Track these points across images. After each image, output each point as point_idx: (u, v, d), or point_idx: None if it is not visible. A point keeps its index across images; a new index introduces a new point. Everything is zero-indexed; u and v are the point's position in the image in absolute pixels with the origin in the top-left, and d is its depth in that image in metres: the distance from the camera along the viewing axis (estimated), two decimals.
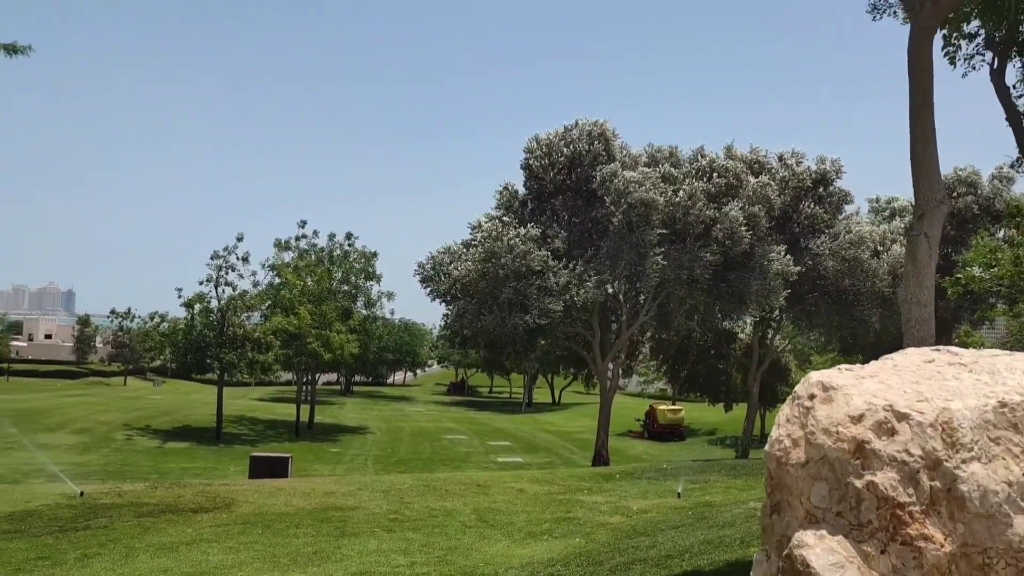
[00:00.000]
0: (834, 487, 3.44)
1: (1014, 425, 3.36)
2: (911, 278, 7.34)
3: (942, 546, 3.22)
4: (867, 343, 39.37)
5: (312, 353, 51.51)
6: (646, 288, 35.11)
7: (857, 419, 3.45)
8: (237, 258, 50.58)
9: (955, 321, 38.91)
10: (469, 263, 33.64)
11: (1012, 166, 20.20)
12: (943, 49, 10.91)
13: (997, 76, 10.92)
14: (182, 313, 51.39)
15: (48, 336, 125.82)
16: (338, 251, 57.51)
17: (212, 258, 50.15)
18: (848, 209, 39.21)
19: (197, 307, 50.37)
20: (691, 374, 50.62)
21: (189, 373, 79.14)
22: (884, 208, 43.27)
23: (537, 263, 32.95)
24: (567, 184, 35.72)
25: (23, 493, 17.18)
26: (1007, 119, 10.86)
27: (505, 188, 36.76)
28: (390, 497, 16.43)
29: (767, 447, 3.75)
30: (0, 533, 12.27)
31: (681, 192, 33.67)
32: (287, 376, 76.44)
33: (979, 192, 39.46)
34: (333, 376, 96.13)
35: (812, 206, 37.03)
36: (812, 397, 3.67)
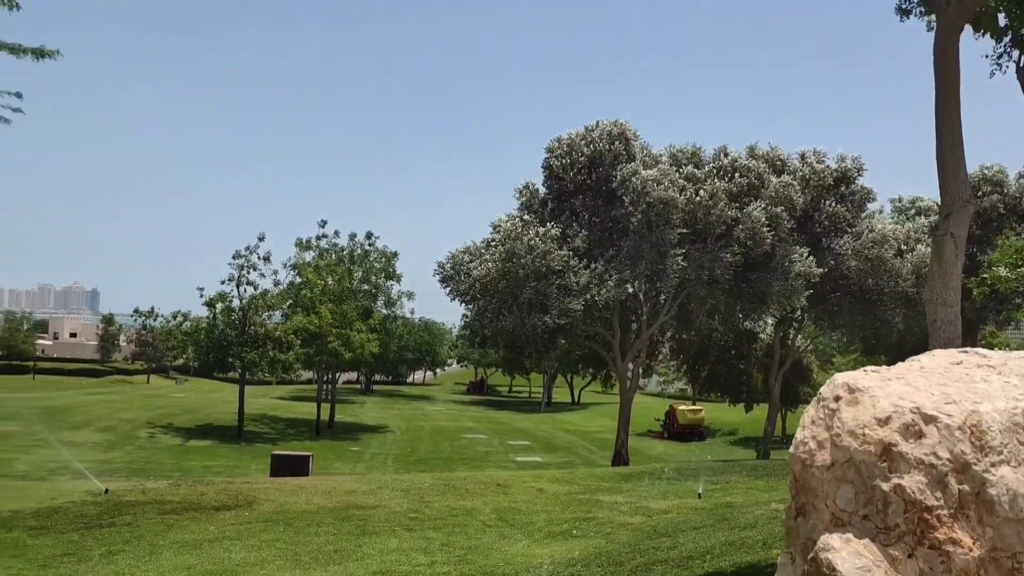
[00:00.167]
0: (860, 490, 3.41)
1: None
2: (937, 278, 7.26)
3: (970, 550, 3.18)
4: (890, 343, 38.99)
5: (333, 352, 51.76)
6: (666, 288, 34.97)
7: (884, 421, 3.41)
8: (259, 257, 50.91)
9: (980, 322, 38.44)
10: (489, 262, 33.64)
11: None
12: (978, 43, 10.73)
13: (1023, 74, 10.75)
14: (204, 312, 51.83)
15: (73, 335, 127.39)
16: (358, 251, 57.77)
17: (234, 257, 50.50)
18: (871, 207, 38.83)
19: (219, 306, 50.72)
20: (712, 374, 50.34)
21: (211, 372, 79.77)
22: (908, 208, 42.78)
23: (557, 263, 32.91)
24: (587, 184, 35.69)
25: (49, 490, 17.41)
26: None
27: (525, 187, 36.77)
28: (410, 496, 16.48)
29: (792, 449, 3.72)
30: (27, 530, 12.42)
31: (702, 192, 33.51)
32: (307, 375, 76.89)
33: (1005, 191, 38.93)
34: (353, 375, 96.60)
35: (834, 205, 36.69)
36: (838, 399, 3.64)
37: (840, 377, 3.75)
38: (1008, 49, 11.00)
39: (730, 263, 33.22)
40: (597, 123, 36.53)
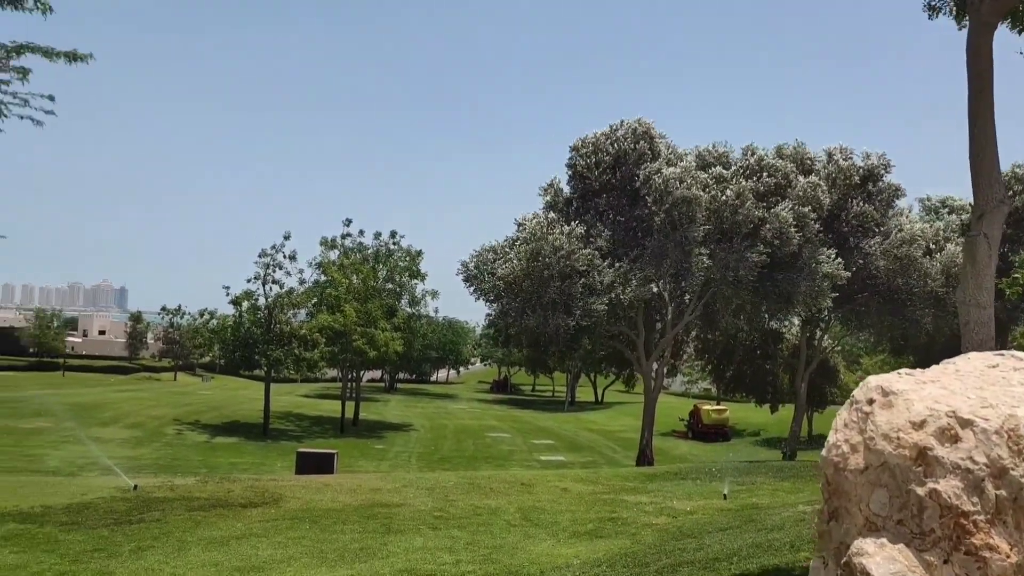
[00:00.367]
0: (895, 494, 3.37)
1: None
2: (970, 279, 7.17)
3: (1008, 556, 3.13)
4: (919, 344, 38.50)
5: (357, 350, 52.04)
6: (691, 287, 34.80)
7: (919, 425, 3.37)
8: (284, 256, 51.30)
9: (1012, 323, 37.86)
10: (514, 261, 33.63)
11: None
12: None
13: None
14: (230, 310, 52.31)
15: (102, 332, 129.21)
16: (383, 249, 58.05)
17: (260, 256, 50.93)
18: (899, 204, 38.34)
19: (245, 304, 51.18)
20: (737, 374, 50.02)
21: (237, 369, 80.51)
22: (939, 207, 42.16)
23: (582, 263, 32.83)
24: (612, 183, 35.58)
25: (79, 486, 17.66)
26: None
27: (550, 185, 36.72)
28: (435, 495, 16.53)
29: (824, 452, 3.69)
30: (59, 525, 12.62)
31: (729, 191, 33.30)
32: (332, 373, 77.36)
33: None
34: (377, 373, 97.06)
35: (861, 204, 36.27)
36: (871, 402, 3.60)
37: (873, 380, 3.71)
38: None
39: (756, 263, 32.98)
40: (621, 122, 36.45)
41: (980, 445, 3.26)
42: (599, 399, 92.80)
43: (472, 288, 35.81)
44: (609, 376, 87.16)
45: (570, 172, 36.52)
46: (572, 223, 34.04)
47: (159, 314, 64.18)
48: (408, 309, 59.32)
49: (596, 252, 33.51)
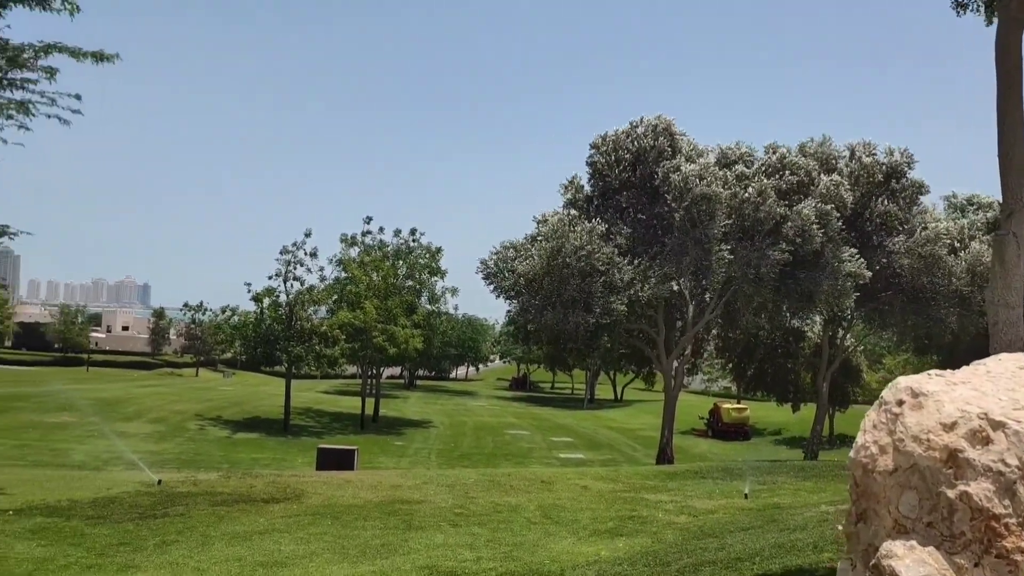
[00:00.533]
0: (924, 496, 3.35)
1: None
2: (998, 279, 7.08)
3: None
4: (943, 344, 38.06)
5: (377, 347, 52.28)
6: (712, 285, 34.63)
7: (950, 427, 3.35)
8: (305, 253, 51.67)
9: None
10: (535, 258, 33.59)
11: None
12: None
13: None
14: (252, 307, 52.71)
15: (125, 328, 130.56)
16: (403, 247, 58.24)
17: (281, 253, 51.31)
18: (924, 201, 37.87)
19: (266, 301, 51.57)
20: (758, 372, 49.76)
21: (258, 365, 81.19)
22: (966, 205, 41.60)
23: (602, 263, 32.70)
24: (632, 181, 35.42)
25: (105, 480, 17.87)
26: None
27: (571, 182, 36.63)
28: (455, 491, 16.57)
29: (852, 453, 3.67)
30: (85, 519, 12.77)
31: (750, 189, 33.09)
32: (352, 369, 77.79)
33: None
34: (397, 370, 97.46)
35: (885, 203, 35.86)
36: (901, 403, 3.57)
37: (903, 381, 3.69)
38: None
39: (778, 260, 32.73)
40: (641, 119, 36.19)
41: (1012, 447, 3.23)
42: (618, 397, 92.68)
43: (492, 286, 35.84)
44: (628, 374, 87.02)
45: (590, 170, 36.41)
46: (593, 220, 33.92)
47: (181, 310, 64.73)
48: (428, 306, 59.53)
49: (615, 250, 33.40)
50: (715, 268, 33.07)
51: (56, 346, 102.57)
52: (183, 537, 11.69)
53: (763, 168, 34.89)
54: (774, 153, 35.51)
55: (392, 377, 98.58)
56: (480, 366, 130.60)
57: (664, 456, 37.44)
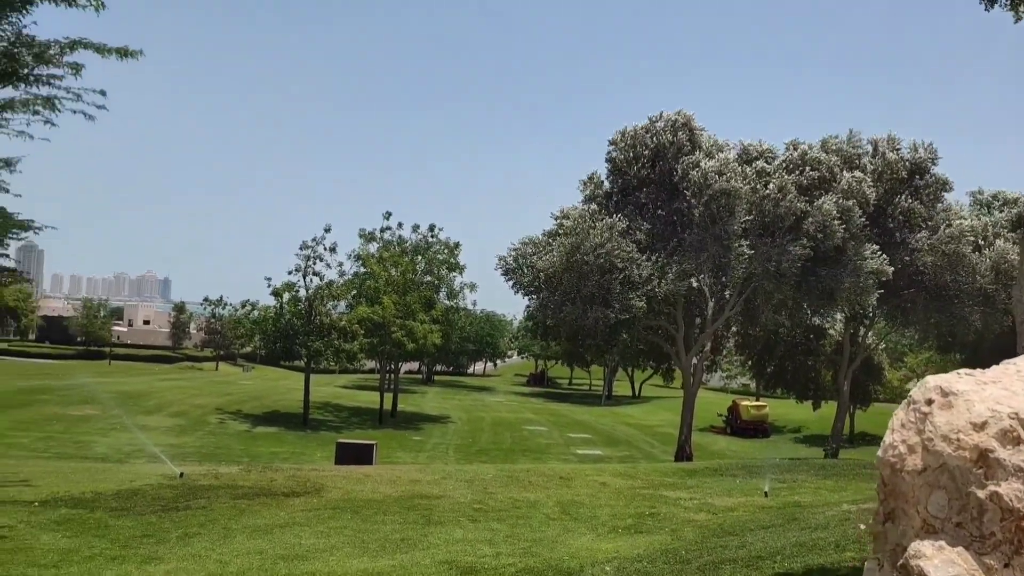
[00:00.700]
0: (954, 496, 3.31)
1: None
2: None
3: None
4: (967, 342, 37.66)
5: (396, 342, 52.45)
6: (732, 282, 34.45)
7: (980, 426, 3.31)
8: (324, 248, 51.89)
9: None
10: (554, 254, 33.54)
11: None
12: None
13: None
14: (272, 301, 53.06)
15: (146, 322, 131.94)
16: (422, 242, 58.36)
17: (301, 248, 51.58)
18: (947, 198, 37.43)
19: (286, 296, 51.88)
20: (778, 370, 49.45)
21: (277, 360, 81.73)
22: (991, 201, 41.07)
23: (621, 261, 32.58)
24: (651, 178, 35.24)
25: (128, 473, 18.08)
26: None
27: (590, 178, 36.53)
28: (474, 487, 16.62)
29: (880, 452, 3.63)
30: (109, 510, 12.91)
31: (771, 185, 32.86)
32: (370, 364, 78.04)
33: None
34: (415, 365, 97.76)
35: (908, 200, 35.48)
36: (930, 402, 3.53)
37: (932, 380, 3.64)
38: None
39: (799, 255, 32.45)
40: (660, 114, 35.93)
41: None
42: (636, 393, 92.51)
43: (512, 282, 35.84)
44: (646, 370, 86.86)
45: (609, 167, 36.25)
46: (614, 216, 33.80)
47: (201, 305, 65.29)
48: (446, 302, 59.64)
49: (634, 246, 33.29)
50: (734, 264, 32.88)
51: (79, 339, 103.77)
52: (205, 530, 11.79)
53: (784, 164, 34.63)
54: (795, 150, 35.22)
55: (410, 372, 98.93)
56: (498, 362, 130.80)
57: (683, 453, 37.35)
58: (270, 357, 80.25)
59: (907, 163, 35.96)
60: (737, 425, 56.43)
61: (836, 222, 32.32)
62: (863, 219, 33.42)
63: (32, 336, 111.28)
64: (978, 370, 3.74)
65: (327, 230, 52.23)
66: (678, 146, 34.72)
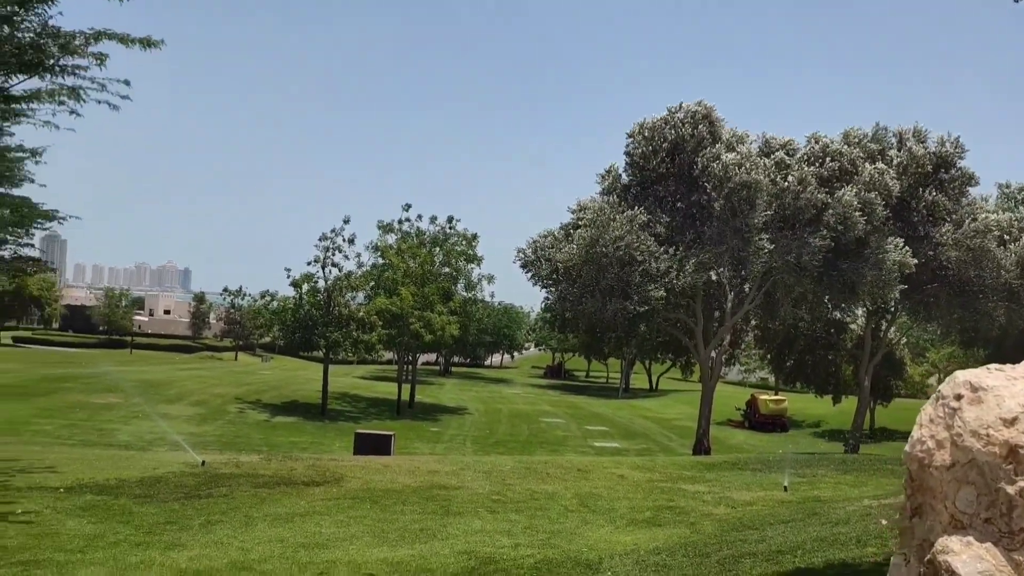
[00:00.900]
0: (983, 492, 3.29)
1: None
2: None
3: None
4: (990, 337, 37.25)
5: (414, 334, 52.58)
6: (752, 275, 34.21)
7: (1010, 422, 3.28)
8: (343, 240, 52.03)
9: None
10: (574, 246, 33.43)
11: None
12: None
13: None
14: (291, 292, 53.29)
15: (167, 312, 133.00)
16: (440, 234, 58.43)
17: (320, 239, 51.73)
18: (973, 192, 36.93)
19: (305, 287, 52.09)
20: (798, 364, 49.19)
21: (296, 350, 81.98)
22: (1018, 195, 40.51)
23: (640, 254, 32.43)
24: (670, 172, 34.95)
25: (151, 460, 18.27)
26: None
27: (608, 172, 36.37)
28: (492, 478, 16.66)
29: (907, 447, 3.61)
30: (133, 497, 13.07)
31: (791, 177, 32.57)
32: (388, 355, 78.31)
33: None
34: (432, 356, 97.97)
35: (933, 193, 35.02)
36: (959, 398, 3.51)
37: (961, 375, 3.62)
38: None
39: (819, 247, 32.14)
40: (680, 105, 35.42)
41: None
42: (653, 386, 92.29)
43: (530, 274, 35.82)
44: (664, 363, 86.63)
45: (627, 160, 36.00)
46: (635, 208, 33.61)
47: (221, 295, 65.68)
48: (464, 293, 59.73)
49: (653, 239, 33.12)
50: (754, 258, 32.64)
51: (101, 328, 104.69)
52: (227, 517, 11.91)
53: (805, 157, 34.30)
54: (817, 143, 34.88)
55: (427, 363, 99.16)
56: (515, 354, 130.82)
57: (701, 446, 37.25)
58: (289, 347, 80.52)
59: (932, 156, 35.48)
60: (755, 419, 56.17)
61: (857, 214, 31.99)
62: (886, 212, 33.05)
63: (56, 325, 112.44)
64: (1008, 365, 3.71)
65: (346, 221, 52.43)
66: (698, 139, 34.23)
